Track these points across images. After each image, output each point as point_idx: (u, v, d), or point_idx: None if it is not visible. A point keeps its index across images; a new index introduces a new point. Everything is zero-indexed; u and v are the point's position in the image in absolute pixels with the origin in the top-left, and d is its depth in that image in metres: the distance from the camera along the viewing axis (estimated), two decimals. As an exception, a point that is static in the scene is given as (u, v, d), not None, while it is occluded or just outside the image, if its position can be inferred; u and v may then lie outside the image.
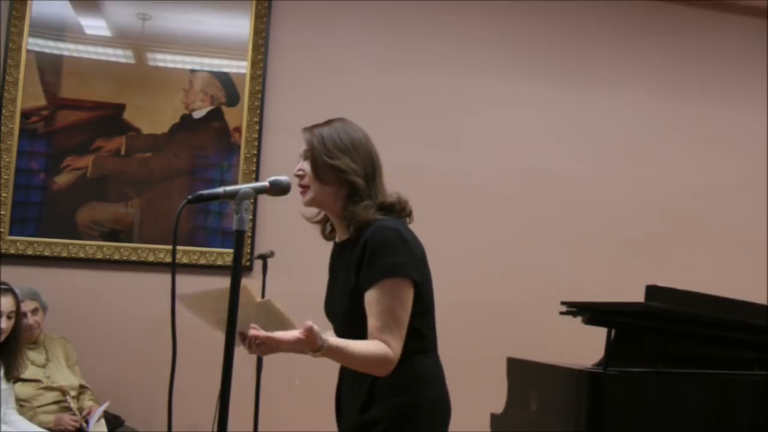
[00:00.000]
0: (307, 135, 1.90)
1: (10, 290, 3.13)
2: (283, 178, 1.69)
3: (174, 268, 1.55)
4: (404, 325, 1.77)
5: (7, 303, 3.10)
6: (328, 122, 1.93)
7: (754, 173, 4.74)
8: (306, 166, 1.88)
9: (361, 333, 1.76)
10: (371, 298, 1.76)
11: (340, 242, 1.94)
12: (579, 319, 2.66)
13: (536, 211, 4.37)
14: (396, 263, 1.76)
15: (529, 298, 4.18)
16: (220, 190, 1.60)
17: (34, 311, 3.43)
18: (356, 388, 1.85)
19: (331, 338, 1.69)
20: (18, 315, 3.17)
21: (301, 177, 1.89)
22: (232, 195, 1.58)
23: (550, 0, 4.50)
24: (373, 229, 1.79)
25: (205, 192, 1.61)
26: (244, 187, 1.59)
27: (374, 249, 1.76)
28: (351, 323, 1.83)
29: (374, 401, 1.79)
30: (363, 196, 1.84)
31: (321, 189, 1.86)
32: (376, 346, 1.72)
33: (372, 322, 1.75)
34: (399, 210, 1.89)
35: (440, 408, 1.85)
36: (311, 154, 1.87)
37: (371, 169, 1.88)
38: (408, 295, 1.78)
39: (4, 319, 3.08)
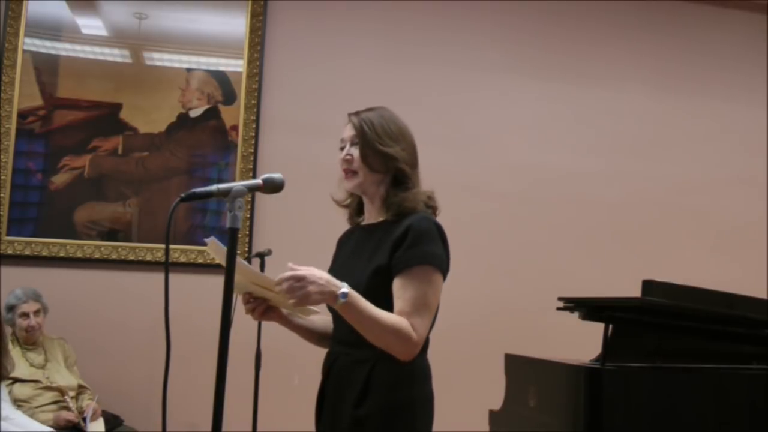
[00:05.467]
0: (355, 120, 1.89)
1: None
2: (276, 175, 1.68)
3: (167, 266, 1.54)
4: (433, 315, 1.78)
5: None
6: (372, 109, 1.93)
7: (754, 168, 4.73)
8: (354, 151, 1.87)
9: None
10: (405, 281, 1.74)
11: (368, 225, 1.93)
12: (576, 314, 2.65)
13: (534, 206, 4.36)
14: (437, 254, 1.78)
15: (527, 293, 4.17)
16: (213, 187, 1.59)
17: (37, 312, 3.43)
18: (352, 381, 1.81)
19: (354, 292, 1.67)
20: None
21: (349, 162, 1.88)
22: (225, 193, 1.57)
23: (547, -4, 4.50)
24: (419, 217, 1.80)
25: (198, 190, 1.60)
26: (237, 184, 1.59)
27: (419, 235, 1.77)
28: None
29: (369, 395, 1.77)
30: (411, 185, 1.86)
31: (368, 175, 1.87)
32: (402, 321, 1.70)
33: (401, 305, 1.73)
34: (434, 207, 1.90)
35: (430, 405, 1.86)
36: (362, 141, 1.86)
37: (414, 159, 1.91)
38: (440, 288, 1.79)
39: None
